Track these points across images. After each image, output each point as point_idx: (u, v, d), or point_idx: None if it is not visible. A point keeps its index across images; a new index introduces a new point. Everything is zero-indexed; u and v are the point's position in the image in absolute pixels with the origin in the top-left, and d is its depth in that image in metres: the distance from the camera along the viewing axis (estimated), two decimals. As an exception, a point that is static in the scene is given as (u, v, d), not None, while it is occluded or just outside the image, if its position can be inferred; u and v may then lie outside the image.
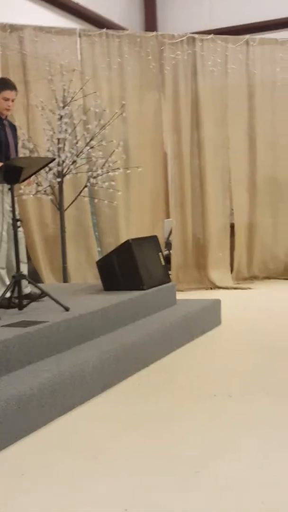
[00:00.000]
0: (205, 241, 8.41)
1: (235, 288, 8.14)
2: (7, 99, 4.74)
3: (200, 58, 8.28)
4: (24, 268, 4.79)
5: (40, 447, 3.08)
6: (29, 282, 4.67)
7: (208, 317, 5.72)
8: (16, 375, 3.52)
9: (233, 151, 8.51)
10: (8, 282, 4.68)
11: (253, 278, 8.68)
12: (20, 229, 4.81)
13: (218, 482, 2.58)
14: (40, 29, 7.43)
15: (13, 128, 4.97)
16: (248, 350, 4.88)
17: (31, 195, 7.16)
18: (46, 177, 6.99)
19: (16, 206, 4.60)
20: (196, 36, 8.34)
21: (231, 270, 8.56)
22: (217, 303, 5.95)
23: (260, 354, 4.74)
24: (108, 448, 3.02)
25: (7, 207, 4.74)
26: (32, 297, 4.77)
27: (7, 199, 4.72)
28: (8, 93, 4.74)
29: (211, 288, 8.16)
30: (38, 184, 7.05)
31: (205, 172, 8.35)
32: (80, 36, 7.74)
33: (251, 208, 8.67)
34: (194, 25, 10.52)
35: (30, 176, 4.85)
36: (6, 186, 4.64)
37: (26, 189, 6.85)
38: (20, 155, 5.23)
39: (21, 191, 6.83)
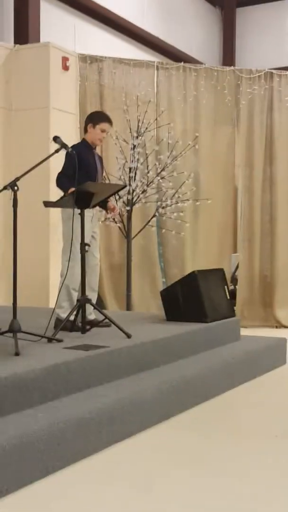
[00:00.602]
0: (272, 278, 8.23)
1: (301, 328, 7.89)
2: (103, 131, 4.90)
3: (277, 93, 8.23)
4: (93, 296, 4.85)
5: (95, 472, 3.02)
6: (94, 308, 4.67)
7: (272, 356, 5.55)
8: (75, 398, 3.49)
9: (306, 188, 8.35)
10: (73, 304, 4.69)
11: None
12: (97, 256, 4.94)
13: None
14: (119, 61, 7.60)
15: (100, 159, 5.11)
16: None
17: (100, 222, 7.23)
18: (115, 205, 7.04)
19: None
20: (274, 71, 8.31)
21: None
22: (282, 342, 5.78)
23: None
24: (162, 481, 2.93)
25: (90, 232, 4.79)
26: (94, 323, 4.76)
27: (91, 222, 4.81)
28: (106, 126, 4.90)
29: (276, 327, 7.95)
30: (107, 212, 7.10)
31: (276, 208, 8.22)
32: (157, 69, 7.86)
33: None
34: (272, 61, 10.52)
35: (99, 203, 4.88)
36: (90, 210, 4.75)
37: (111, 216, 6.76)
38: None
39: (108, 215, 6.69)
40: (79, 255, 4.61)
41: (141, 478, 2.96)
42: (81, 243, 4.56)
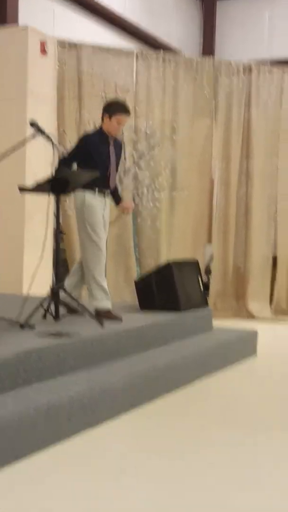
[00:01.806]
0: (246, 271, 8.28)
1: (273, 321, 7.97)
2: (120, 123, 4.79)
3: (256, 87, 8.25)
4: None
5: (63, 459, 3.02)
6: (68, 296, 4.65)
7: (243, 347, 5.60)
8: (47, 385, 3.48)
9: (282, 183, 8.40)
10: (107, 292, 4.78)
11: (292, 312, 8.50)
12: (104, 244, 4.85)
13: (245, 515, 2.47)
14: (99, 48, 7.53)
15: (118, 145, 4.98)
16: (282, 383, 4.74)
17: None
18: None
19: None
20: (253, 65, 8.32)
21: (271, 302, 8.40)
22: (253, 334, 5.82)
23: (295, 389, 4.60)
24: (129, 468, 2.94)
25: (102, 220, 4.78)
26: (110, 316, 4.76)
27: (104, 211, 4.79)
28: (122, 117, 4.77)
29: (248, 319, 8.01)
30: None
31: (252, 201, 8.26)
32: (137, 57, 7.80)
33: (295, 241, 8.52)
34: (252, 54, 10.54)
35: (74, 189, 4.87)
36: (102, 199, 4.76)
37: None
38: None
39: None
40: (98, 240, 4.61)
41: (111, 464, 2.96)
42: (55, 230, 4.54)
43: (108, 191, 4.87)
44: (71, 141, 7.08)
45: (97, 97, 7.32)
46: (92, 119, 7.17)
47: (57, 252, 4.51)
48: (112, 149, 4.85)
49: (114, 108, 4.78)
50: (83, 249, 4.80)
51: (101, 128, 4.86)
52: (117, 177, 5.10)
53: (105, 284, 4.79)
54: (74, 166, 4.83)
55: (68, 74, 7.32)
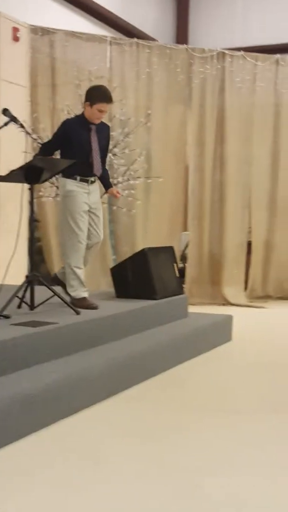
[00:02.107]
0: (221, 257, 8.35)
1: (248, 306, 8.06)
2: (101, 111, 4.71)
3: (229, 74, 8.27)
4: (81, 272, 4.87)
5: (41, 447, 3.04)
6: (42, 284, 4.65)
7: (219, 332, 5.66)
8: (22, 374, 3.49)
9: (256, 169, 8.46)
10: (83, 281, 4.79)
11: (267, 297, 8.59)
12: (100, 235, 4.89)
13: (218, 497, 2.52)
14: (72, 34, 7.47)
15: (104, 131, 4.89)
16: (257, 368, 4.81)
17: (50, 198, 7.16)
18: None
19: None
20: (226, 52, 8.34)
21: (245, 288, 8.49)
22: (228, 319, 5.89)
23: (268, 372, 4.67)
24: (108, 453, 2.98)
25: (85, 207, 4.77)
26: (85, 304, 4.78)
27: (87, 199, 4.76)
28: (103, 106, 4.69)
29: (223, 304, 8.09)
30: (58, 187, 7.03)
31: (226, 188, 8.31)
32: (110, 44, 7.76)
33: (269, 226, 8.60)
34: (226, 41, 10.52)
35: (50, 178, 4.87)
36: (85, 186, 4.74)
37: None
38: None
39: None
40: (78, 232, 4.62)
41: (86, 451, 2.99)
42: (29, 219, 4.53)
43: (93, 178, 4.84)
44: (45, 129, 7.04)
45: (71, 84, 7.28)
46: (66, 106, 7.12)
47: (32, 240, 4.50)
48: (94, 135, 4.78)
49: (95, 96, 4.70)
50: (62, 235, 4.82)
51: (83, 113, 4.82)
52: (107, 163, 5.08)
53: (81, 272, 4.80)
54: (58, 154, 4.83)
55: (41, 61, 7.25)
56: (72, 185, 4.73)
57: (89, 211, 4.81)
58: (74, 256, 4.76)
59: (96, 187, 4.91)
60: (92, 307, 4.71)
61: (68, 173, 4.72)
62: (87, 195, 4.78)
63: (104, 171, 5.00)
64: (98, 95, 4.71)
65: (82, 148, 4.71)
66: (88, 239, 4.84)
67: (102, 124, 4.92)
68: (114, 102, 4.92)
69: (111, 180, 7.29)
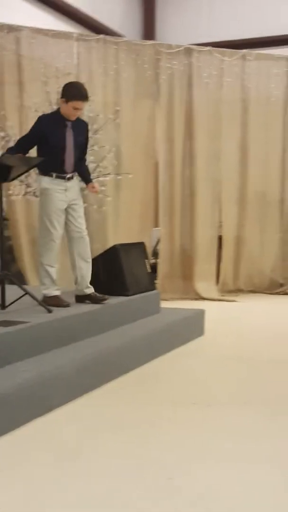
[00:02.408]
0: (192, 252, 8.40)
1: (220, 300, 8.13)
2: (76, 109, 4.68)
3: (196, 69, 8.31)
4: (87, 267, 5.00)
5: (17, 446, 3.03)
6: (13, 283, 4.62)
7: (191, 327, 5.70)
8: (-6, 374, 3.47)
9: (225, 164, 8.52)
10: (55, 280, 4.82)
11: (238, 291, 8.67)
12: (81, 227, 4.91)
13: (190, 491, 2.55)
14: (38, 31, 7.42)
15: (80, 127, 4.87)
16: (229, 361, 4.86)
17: (20, 196, 7.12)
18: (36, 179, 6.95)
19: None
20: (193, 47, 8.37)
21: (217, 282, 8.55)
22: (200, 314, 5.93)
23: (240, 365, 4.73)
24: (84, 449, 2.98)
25: (62, 206, 4.74)
26: (93, 299, 4.86)
27: (65, 195, 4.75)
28: (79, 104, 4.66)
29: (196, 299, 8.14)
30: (27, 186, 7.01)
31: (196, 183, 8.35)
32: (77, 40, 7.73)
33: (239, 221, 8.68)
34: (192, 37, 10.58)
35: (20, 175, 4.84)
36: (61, 183, 4.71)
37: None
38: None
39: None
40: (52, 231, 4.60)
41: (62, 449, 3.00)
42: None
43: (71, 174, 4.81)
44: (12, 127, 7.00)
45: (38, 81, 7.24)
46: (34, 104, 7.08)
47: (2, 239, 4.48)
48: (69, 132, 4.76)
49: (70, 93, 4.67)
50: (38, 232, 4.82)
51: (58, 109, 4.80)
52: (86, 160, 5.07)
53: (53, 271, 4.80)
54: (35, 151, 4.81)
55: (7, 58, 7.19)
56: (47, 182, 4.72)
57: (68, 207, 4.81)
58: (47, 254, 4.76)
59: (75, 183, 4.89)
60: (64, 305, 4.71)
61: (43, 170, 4.71)
62: (64, 191, 4.76)
63: (83, 166, 5.00)
64: (73, 92, 4.68)
65: (56, 144, 4.70)
66: (70, 234, 4.85)
67: (79, 120, 4.91)
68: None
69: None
